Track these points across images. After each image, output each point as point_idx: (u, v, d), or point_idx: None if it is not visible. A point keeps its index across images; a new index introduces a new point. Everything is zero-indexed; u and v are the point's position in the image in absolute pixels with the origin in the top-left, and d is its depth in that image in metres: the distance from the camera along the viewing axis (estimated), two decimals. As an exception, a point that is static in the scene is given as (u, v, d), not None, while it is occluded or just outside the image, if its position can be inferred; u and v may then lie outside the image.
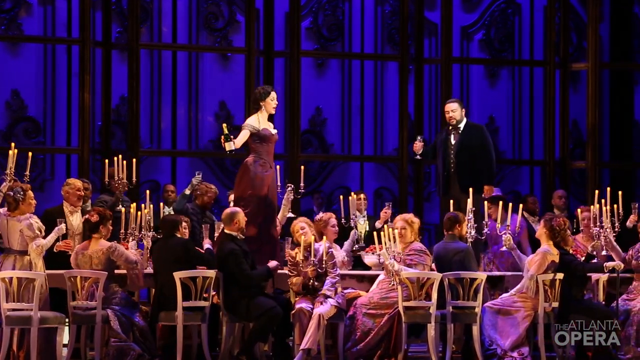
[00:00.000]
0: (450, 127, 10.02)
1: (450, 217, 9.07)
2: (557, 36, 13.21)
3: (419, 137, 10.16)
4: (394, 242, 8.58)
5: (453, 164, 9.94)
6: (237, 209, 8.93)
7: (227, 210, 8.95)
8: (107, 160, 9.80)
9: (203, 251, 8.88)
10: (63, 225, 8.66)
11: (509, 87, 13.44)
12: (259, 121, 9.43)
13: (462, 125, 10.03)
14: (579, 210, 10.11)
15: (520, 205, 9.36)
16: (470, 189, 9.33)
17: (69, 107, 12.31)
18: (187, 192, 10.30)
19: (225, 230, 8.82)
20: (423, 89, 12.96)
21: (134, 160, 9.79)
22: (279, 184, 9.56)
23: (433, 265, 9.10)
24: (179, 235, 8.78)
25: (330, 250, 8.83)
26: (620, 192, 9.52)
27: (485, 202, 9.49)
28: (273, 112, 9.50)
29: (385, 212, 10.21)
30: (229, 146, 9.26)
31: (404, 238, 8.84)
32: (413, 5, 12.91)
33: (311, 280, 8.69)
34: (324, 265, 8.66)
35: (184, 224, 9.12)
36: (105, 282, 8.51)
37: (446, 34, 12.89)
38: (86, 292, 8.49)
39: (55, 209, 9.35)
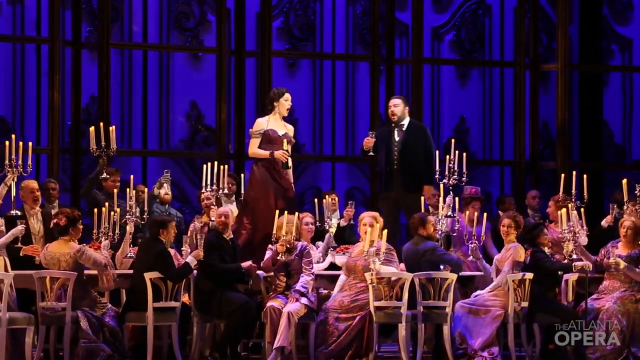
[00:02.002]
0: (393, 124, 10.01)
1: (416, 219, 9.11)
2: (527, 37, 13.28)
3: (370, 133, 10.01)
4: (379, 241, 8.61)
5: (396, 162, 9.91)
6: (228, 209, 8.97)
7: (223, 208, 9.03)
8: (92, 128, 9.66)
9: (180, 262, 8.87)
10: (22, 227, 8.61)
11: (480, 87, 13.50)
12: (267, 122, 9.48)
13: (405, 123, 10.01)
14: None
15: (485, 215, 9.40)
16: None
17: (38, 106, 12.22)
18: (156, 191, 10.26)
19: (214, 224, 8.93)
20: (394, 89, 12.98)
21: (111, 128, 9.69)
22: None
23: (402, 265, 9.13)
24: (162, 239, 8.72)
25: (307, 247, 8.85)
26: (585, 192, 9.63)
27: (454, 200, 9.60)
28: (286, 113, 9.57)
29: (348, 211, 10.26)
30: (290, 162, 9.39)
31: (371, 236, 8.86)
32: (384, 6, 12.93)
33: (280, 255, 8.70)
34: (292, 241, 8.68)
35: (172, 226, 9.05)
36: (74, 283, 8.46)
37: (417, 34, 12.92)
38: (55, 293, 8.44)
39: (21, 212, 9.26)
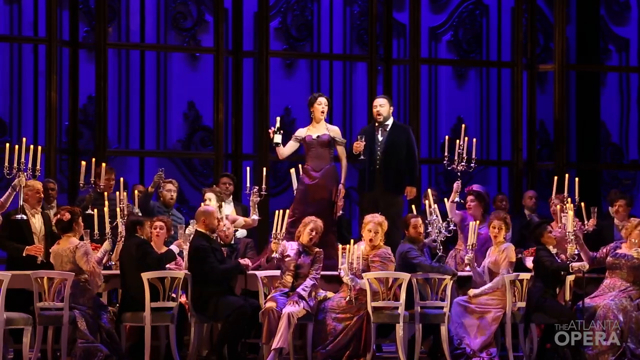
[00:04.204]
0: (377, 124, 10.00)
1: (406, 219, 9.16)
2: (525, 37, 13.28)
3: (359, 137, 9.89)
4: (355, 257, 8.63)
5: (379, 162, 9.87)
6: (210, 208, 9.03)
7: (200, 209, 9.05)
8: (83, 162, 9.74)
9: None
10: None
11: (477, 88, 13.50)
12: (307, 130, 9.76)
13: (389, 123, 9.98)
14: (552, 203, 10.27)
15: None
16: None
17: (35, 106, 12.22)
18: (150, 189, 10.26)
19: (196, 228, 8.88)
20: (392, 89, 12.99)
21: (103, 165, 9.77)
22: (248, 186, 9.59)
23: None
24: (139, 236, 8.76)
25: (322, 255, 8.85)
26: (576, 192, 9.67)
27: (468, 197, 9.61)
28: (321, 117, 9.74)
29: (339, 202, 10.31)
30: (277, 139, 9.52)
31: (373, 242, 8.88)
32: (381, 6, 12.94)
33: (274, 253, 8.73)
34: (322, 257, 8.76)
35: (158, 223, 9.05)
36: (73, 282, 8.46)
37: (414, 34, 12.93)
38: (53, 292, 8.44)
39: (16, 211, 9.24)
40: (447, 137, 9.75)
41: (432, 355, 9.22)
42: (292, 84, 13.02)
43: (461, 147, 9.53)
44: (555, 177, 9.96)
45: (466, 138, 9.58)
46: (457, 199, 9.50)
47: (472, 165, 9.61)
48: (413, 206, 9.99)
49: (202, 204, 9.89)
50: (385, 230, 8.94)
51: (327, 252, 9.14)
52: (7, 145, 8.75)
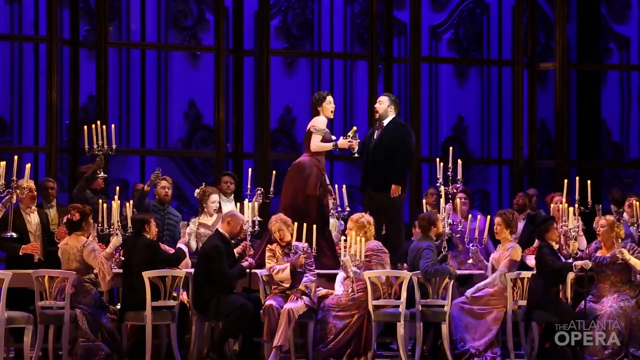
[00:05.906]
0: (377, 122, 9.99)
1: (425, 219, 9.09)
2: (525, 36, 13.29)
3: (348, 135, 9.85)
4: (358, 248, 8.62)
5: (370, 160, 9.82)
6: (241, 215, 8.95)
7: (230, 212, 9.03)
8: (85, 127, 9.70)
9: (171, 250, 8.91)
10: None
11: (478, 86, 13.50)
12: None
13: (386, 122, 9.91)
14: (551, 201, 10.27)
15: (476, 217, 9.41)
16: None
17: (36, 105, 12.22)
18: (146, 188, 10.24)
19: (219, 228, 8.86)
20: (392, 88, 12.98)
21: (108, 126, 9.72)
22: (249, 186, 9.60)
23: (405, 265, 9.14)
24: (146, 235, 8.75)
25: (308, 247, 8.85)
26: (590, 189, 9.65)
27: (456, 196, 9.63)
28: (331, 116, 9.79)
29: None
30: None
31: (352, 240, 8.86)
32: (382, 5, 12.94)
33: (300, 268, 8.73)
34: (310, 251, 8.76)
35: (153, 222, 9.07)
36: (76, 283, 8.47)
37: (415, 33, 12.93)
38: (55, 291, 8.44)
39: (6, 226, 9.23)
40: (437, 158, 9.75)
41: (433, 354, 9.22)
42: (292, 83, 13.02)
43: (450, 169, 9.56)
44: (565, 181, 9.96)
45: (459, 159, 9.62)
46: (450, 220, 9.47)
47: (459, 187, 9.67)
48: (426, 205, 9.97)
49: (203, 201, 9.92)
50: (363, 225, 8.84)
51: (325, 254, 9.17)
52: (2, 163, 8.74)
